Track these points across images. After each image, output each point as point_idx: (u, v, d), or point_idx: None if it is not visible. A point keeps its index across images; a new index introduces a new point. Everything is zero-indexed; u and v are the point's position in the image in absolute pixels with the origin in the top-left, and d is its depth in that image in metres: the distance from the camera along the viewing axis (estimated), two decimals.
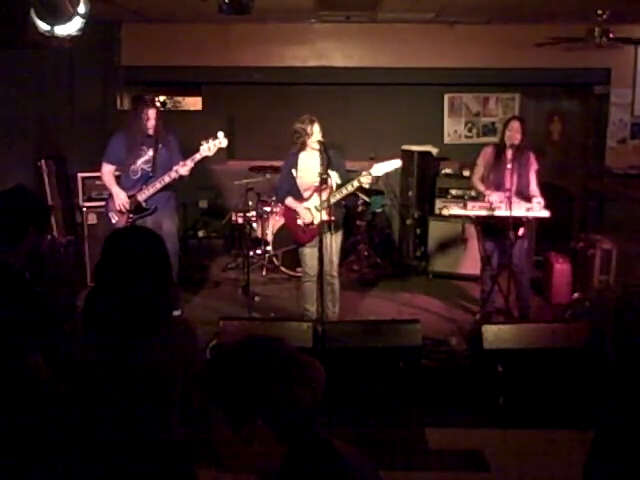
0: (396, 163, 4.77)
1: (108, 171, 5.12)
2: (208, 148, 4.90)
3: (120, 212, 5.04)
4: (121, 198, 5.03)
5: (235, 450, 1.33)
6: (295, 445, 1.32)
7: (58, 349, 2.32)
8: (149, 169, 5.05)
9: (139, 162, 5.04)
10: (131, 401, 2.01)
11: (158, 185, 5.00)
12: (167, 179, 4.97)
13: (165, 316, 2.12)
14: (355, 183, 4.69)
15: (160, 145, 5.05)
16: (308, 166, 4.86)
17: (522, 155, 5.14)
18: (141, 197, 5.03)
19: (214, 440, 1.35)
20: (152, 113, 4.98)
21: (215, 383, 1.34)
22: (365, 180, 4.65)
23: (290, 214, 5.07)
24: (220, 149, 4.99)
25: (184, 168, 4.93)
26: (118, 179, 5.18)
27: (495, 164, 5.26)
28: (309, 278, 5.01)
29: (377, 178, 4.85)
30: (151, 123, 4.97)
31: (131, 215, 5.06)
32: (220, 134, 4.93)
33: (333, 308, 5.06)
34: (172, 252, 5.15)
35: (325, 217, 4.68)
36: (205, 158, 4.98)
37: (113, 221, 5.08)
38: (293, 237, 5.19)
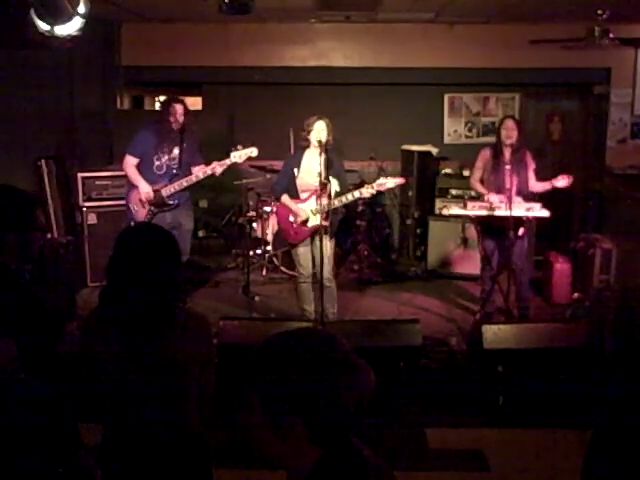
0: (399, 181, 4.95)
1: (132, 164, 5.21)
2: (239, 156, 5.10)
3: (142, 204, 5.17)
4: (146, 192, 5.15)
5: (269, 442, 1.28)
6: (328, 449, 1.28)
7: (56, 349, 2.32)
8: (175, 166, 5.19)
9: (165, 159, 5.18)
10: (148, 395, 2.04)
11: (185, 183, 5.15)
12: (194, 179, 5.14)
13: (178, 310, 2.14)
14: (356, 194, 4.76)
15: (185, 144, 5.19)
16: (310, 167, 4.83)
17: (519, 154, 5.15)
18: (165, 193, 5.17)
19: (250, 426, 1.30)
20: (179, 108, 5.10)
21: (261, 372, 1.28)
22: (367, 192, 4.73)
23: (284, 212, 5.04)
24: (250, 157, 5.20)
25: (218, 170, 5.11)
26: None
27: (494, 165, 5.26)
28: (304, 279, 5.03)
29: (379, 191, 4.93)
30: (179, 118, 5.09)
31: (152, 208, 5.18)
32: (251, 145, 5.15)
33: (332, 309, 5.06)
34: (186, 249, 5.31)
35: (318, 222, 4.74)
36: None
37: (133, 212, 5.21)
38: (284, 236, 5.21)
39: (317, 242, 4.79)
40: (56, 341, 2.38)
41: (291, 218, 4.95)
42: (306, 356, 1.26)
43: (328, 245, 4.86)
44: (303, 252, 4.95)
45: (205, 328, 2.22)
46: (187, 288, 5.42)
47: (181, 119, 5.12)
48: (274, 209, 6.81)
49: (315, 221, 4.82)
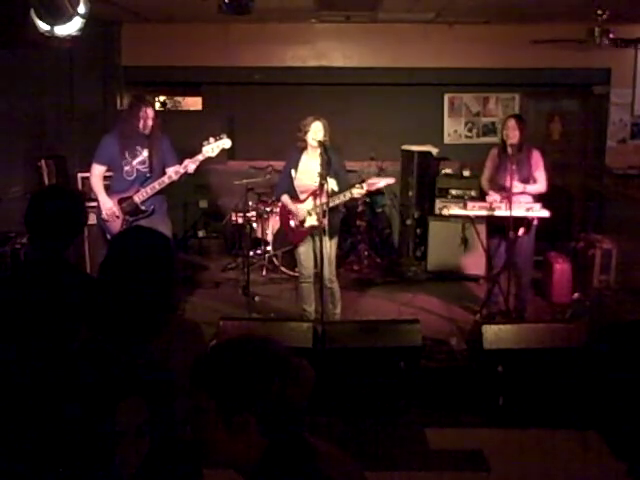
0: (389, 180, 4.83)
1: (98, 174, 4.91)
2: (211, 149, 4.75)
3: (115, 214, 4.86)
4: (108, 207, 4.83)
5: (219, 442, 1.39)
6: (275, 441, 1.38)
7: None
8: (146, 170, 4.86)
9: (134, 163, 4.85)
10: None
11: (157, 187, 4.82)
12: (167, 180, 4.80)
13: (165, 317, 2.11)
14: (348, 194, 4.70)
15: (155, 145, 4.87)
16: (307, 168, 4.85)
17: (522, 153, 5.15)
18: (139, 199, 4.84)
19: (201, 431, 1.41)
20: (150, 112, 4.80)
21: (213, 375, 1.39)
22: (357, 192, 4.66)
23: (284, 212, 5.10)
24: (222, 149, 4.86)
25: (190, 167, 4.77)
26: (108, 178, 5.05)
27: (499, 164, 5.29)
28: (304, 279, 5.05)
29: (369, 191, 4.81)
30: (149, 122, 4.78)
31: (127, 217, 4.88)
32: (223, 135, 4.80)
33: (334, 310, 5.06)
34: None
35: (316, 222, 4.73)
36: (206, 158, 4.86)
37: (107, 225, 4.91)
38: (286, 236, 5.25)
39: (318, 242, 4.80)
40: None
41: (291, 221, 4.99)
42: (252, 357, 1.40)
43: (329, 245, 4.85)
44: (304, 252, 4.96)
45: (193, 333, 2.11)
46: (179, 297, 5.36)
47: (150, 123, 4.76)
48: (276, 210, 6.85)
49: (312, 221, 4.84)
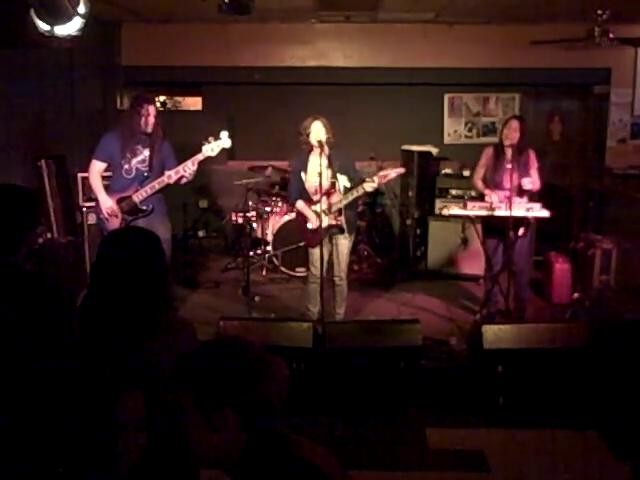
0: (400, 170, 4.84)
1: (97, 171, 4.91)
2: (211, 149, 4.74)
3: (114, 213, 4.86)
4: (108, 206, 4.84)
5: (201, 439, 1.44)
6: (254, 435, 1.44)
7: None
8: (145, 169, 4.86)
9: (134, 161, 4.85)
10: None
11: (157, 186, 4.82)
12: (166, 180, 4.80)
13: (161, 318, 2.10)
14: (360, 190, 4.69)
15: (156, 146, 4.87)
16: (315, 169, 4.81)
17: (522, 154, 5.14)
18: (137, 198, 4.84)
19: (183, 430, 1.45)
20: (152, 109, 4.81)
21: (193, 375, 1.45)
22: (369, 187, 4.65)
23: (301, 217, 5.05)
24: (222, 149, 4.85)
25: (189, 170, 4.76)
26: (107, 178, 5.05)
27: (495, 164, 5.28)
28: (314, 279, 5.00)
29: (380, 184, 4.80)
30: (150, 120, 4.79)
31: (126, 216, 4.87)
32: (223, 134, 4.77)
33: (338, 309, 5.06)
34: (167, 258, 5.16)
35: (332, 221, 4.75)
36: (206, 158, 4.84)
37: (105, 223, 4.91)
38: (303, 238, 5.24)
39: (333, 242, 4.83)
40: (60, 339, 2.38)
41: (308, 225, 4.95)
42: (229, 356, 1.47)
43: (344, 243, 4.88)
44: (317, 252, 4.87)
45: (189, 334, 2.12)
46: (172, 297, 5.34)
47: (152, 120, 4.79)
48: (276, 210, 6.86)
49: (329, 220, 4.80)
